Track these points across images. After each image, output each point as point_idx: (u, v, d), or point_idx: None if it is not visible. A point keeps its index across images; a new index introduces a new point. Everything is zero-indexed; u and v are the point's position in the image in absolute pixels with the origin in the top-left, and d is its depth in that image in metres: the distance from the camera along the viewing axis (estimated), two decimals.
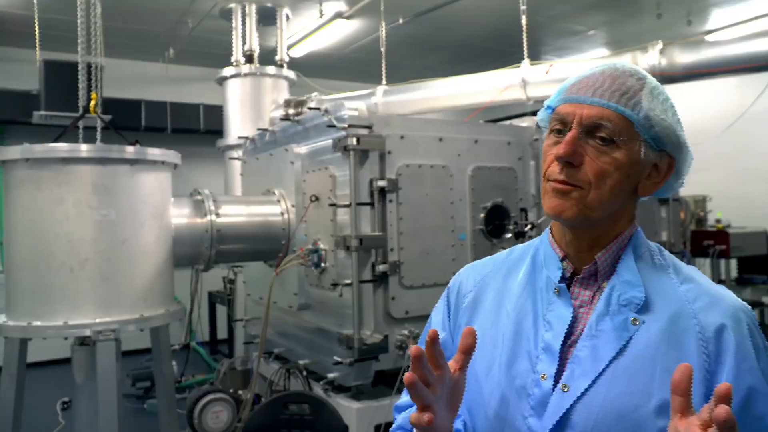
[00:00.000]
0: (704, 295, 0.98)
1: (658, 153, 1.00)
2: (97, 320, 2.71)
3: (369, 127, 3.07)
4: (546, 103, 1.06)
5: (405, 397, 1.19)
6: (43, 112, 6.08)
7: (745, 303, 0.99)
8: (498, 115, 7.28)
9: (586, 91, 0.98)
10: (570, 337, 0.99)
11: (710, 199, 6.08)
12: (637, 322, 0.96)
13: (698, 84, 5.75)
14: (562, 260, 1.05)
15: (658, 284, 1.00)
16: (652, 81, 1.02)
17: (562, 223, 1.04)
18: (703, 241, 5.37)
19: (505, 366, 1.02)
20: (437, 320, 1.20)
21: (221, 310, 6.96)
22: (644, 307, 0.97)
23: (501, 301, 1.10)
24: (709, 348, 0.92)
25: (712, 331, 0.94)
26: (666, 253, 1.07)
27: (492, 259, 1.21)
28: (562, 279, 1.04)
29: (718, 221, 5.77)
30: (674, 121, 1.00)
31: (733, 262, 5.90)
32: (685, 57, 4.22)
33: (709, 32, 7.03)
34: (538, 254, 1.10)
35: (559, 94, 1.04)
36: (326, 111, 3.20)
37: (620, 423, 0.91)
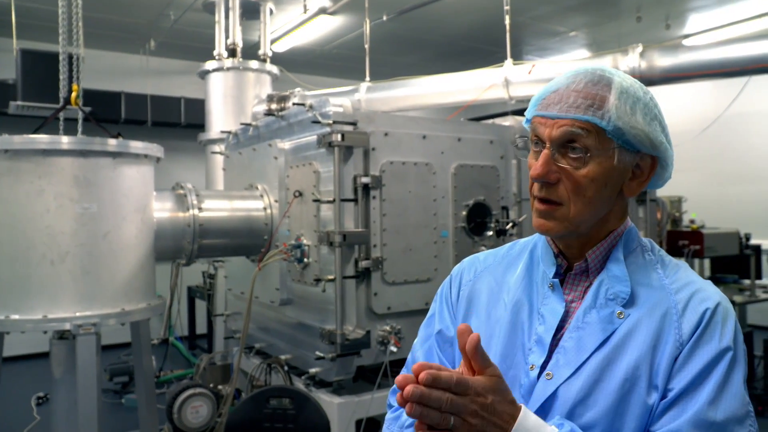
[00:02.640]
0: (686, 288, 1.02)
1: (636, 154, 1.02)
2: (78, 314, 2.68)
3: (353, 124, 3.08)
4: (526, 115, 1.09)
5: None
6: (19, 103, 5.97)
7: (725, 296, 1.02)
8: (480, 113, 7.34)
9: (554, 107, 1.01)
10: (561, 330, 1.04)
11: (685, 200, 6.20)
12: (622, 316, 1.00)
13: (675, 87, 5.88)
14: (557, 256, 1.10)
15: (645, 279, 1.04)
16: (621, 83, 1.01)
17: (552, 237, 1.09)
18: (679, 241, 5.47)
19: (500, 357, 1.07)
20: (444, 304, 1.23)
21: (200, 305, 6.92)
22: (630, 301, 1.01)
23: (499, 293, 1.15)
24: (683, 338, 0.96)
25: (688, 323, 0.98)
26: (656, 248, 1.11)
27: (493, 253, 1.26)
28: (557, 274, 1.08)
29: (692, 222, 5.88)
30: (646, 123, 1.00)
31: (707, 262, 6.02)
32: (663, 60, 4.29)
33: (686, 36, 7.17)
34: (536, 249, 1.15)
35: (533, 106, 1.07)
36: (311, 107, 3.21)
37: (598, 409, 0.96)
